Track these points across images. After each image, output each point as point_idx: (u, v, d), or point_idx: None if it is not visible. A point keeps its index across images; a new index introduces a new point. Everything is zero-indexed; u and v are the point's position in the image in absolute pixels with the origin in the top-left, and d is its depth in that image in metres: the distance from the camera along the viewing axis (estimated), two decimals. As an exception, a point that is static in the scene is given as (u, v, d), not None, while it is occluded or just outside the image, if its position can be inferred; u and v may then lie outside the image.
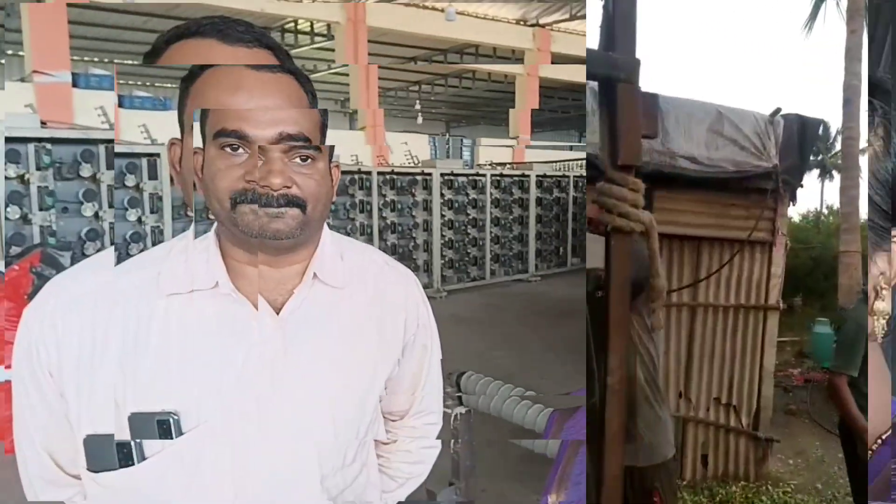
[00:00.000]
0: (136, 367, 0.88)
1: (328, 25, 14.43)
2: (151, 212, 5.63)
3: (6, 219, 4.91)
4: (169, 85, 19.56)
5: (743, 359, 4.10)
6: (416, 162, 11.23)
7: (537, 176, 10.74)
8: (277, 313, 0.95)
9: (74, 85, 10.61)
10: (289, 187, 0.88)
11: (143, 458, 0.86)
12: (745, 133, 3.75)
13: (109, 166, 5.35)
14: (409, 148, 14.67)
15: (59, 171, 5.17)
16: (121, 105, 11.28)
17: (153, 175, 5.63)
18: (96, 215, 5.30)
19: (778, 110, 3.89)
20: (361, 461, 1.07)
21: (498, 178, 10.25)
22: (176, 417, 0.87)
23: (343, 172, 7.69)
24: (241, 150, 0.87)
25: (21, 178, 5.02)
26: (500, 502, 3.29)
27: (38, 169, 5.06)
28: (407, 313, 1.13)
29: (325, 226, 1.02)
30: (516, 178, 10.47)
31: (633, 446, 1.84)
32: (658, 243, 1.46)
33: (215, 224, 0.95)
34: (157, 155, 5.64)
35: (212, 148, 0.88)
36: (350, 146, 12.50)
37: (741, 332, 4.10)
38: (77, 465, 0.90)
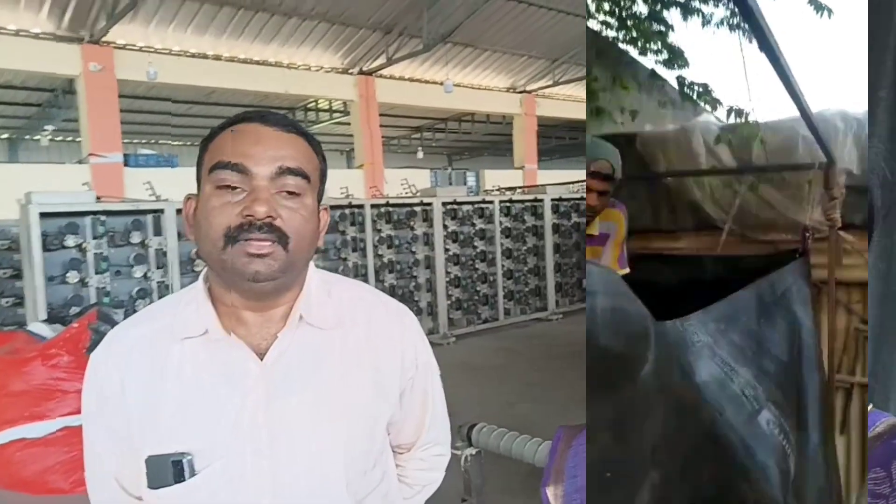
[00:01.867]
0: (156, 408, 0.87)
1: (344, 103, 14.52)
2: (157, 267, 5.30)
3: (66, 282, 4.90)
4: (174, 143, 18.84)
5: None
6: (414, 191, 9.37)
7: (552, 199, 8.31)
8: (262, 359, 0.88)
9: (125, 164, 10.70)
10: (273, 218, 0.82)
11: (193, 473, 0.85)
12: None
13: (156, 233, 5.34)
14: (408, 179, 11.89)
15: (112, 240, 5.19)
16: (126, 164, 10.72)
17: (157, 231, 5.30)
18: (145, 276, 5.29)
19: None
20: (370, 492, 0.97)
21: (507, 204, 7.98)
22: (190, 457, 0.85)
23: (331, 207, 7.02)
24: (238, 190, 0.82)
25: (79, 246, 5.03)
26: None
27: (95, 238, 5.09)
28: (403, 354, 0.99)
29: (312, 265, 0.95)
30: (528, 204, 8.17)
31: None
32: None
33: (204, 271, 0.91)
34: (162, 211, 5.35)
35: (207, 185, 0.84)
36: (343, 181, 10.52)
37: None
38: (139, 487, 0.88)
